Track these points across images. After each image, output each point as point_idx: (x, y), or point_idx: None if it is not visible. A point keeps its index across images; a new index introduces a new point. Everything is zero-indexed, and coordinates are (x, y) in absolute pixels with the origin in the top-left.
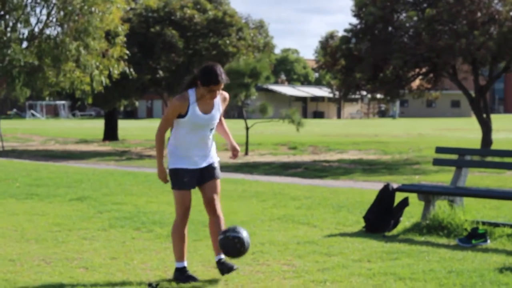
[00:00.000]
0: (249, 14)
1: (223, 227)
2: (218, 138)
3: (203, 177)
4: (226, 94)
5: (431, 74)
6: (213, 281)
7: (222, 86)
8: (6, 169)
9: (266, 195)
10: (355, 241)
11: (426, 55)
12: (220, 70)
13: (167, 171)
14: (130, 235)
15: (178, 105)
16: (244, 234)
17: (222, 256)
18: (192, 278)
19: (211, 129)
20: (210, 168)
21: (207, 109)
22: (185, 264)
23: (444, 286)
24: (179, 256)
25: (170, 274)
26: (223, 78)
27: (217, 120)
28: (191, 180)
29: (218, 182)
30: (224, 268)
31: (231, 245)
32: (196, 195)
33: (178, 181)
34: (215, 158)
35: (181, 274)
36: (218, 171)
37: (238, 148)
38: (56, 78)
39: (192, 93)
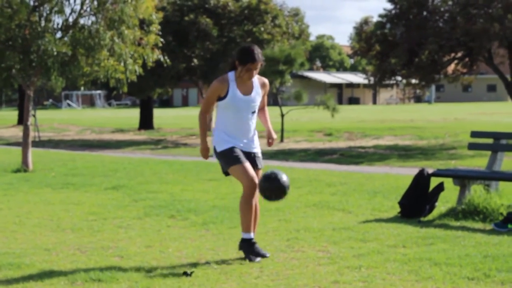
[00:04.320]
0: (284, 1)
1: (259, 214)
2: (258, 126)
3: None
4: (266, 80)
5: (466, 59)
6: (248, 268)
7: (259, 65)
8: (42, 159)
9: (301, 182)
10: (390, 227)
11: (461, 39)
12: (257, 50)
13: (214, 154)
14: (165, 223)
15: (218, 87)
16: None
17: (252, 235)
18: (261, 254)
19: (253, 112)
20: (254, 157)
21: (246, 91)
22: (252, 235)
23: (479, 271)
24: (248, 228)
25: (205, 262)
26: (260, 57)
27: (258, 104)
28: (242, 155)
29: (260, 172)
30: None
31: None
32: (230, 181)
33: (234, 157)
34: (258, 148)
35: (249, 245)
36: (261, 161)
37: (274, 136)
38: (91, 68)
39: (231, 76)
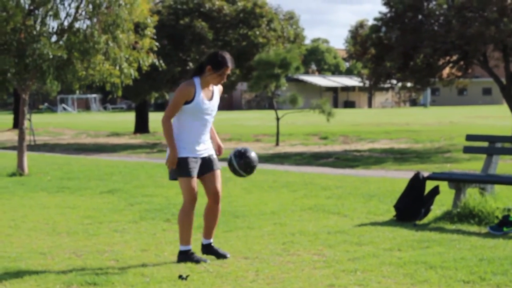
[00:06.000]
0: (279, 5)
1: (219, 216)
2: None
3: (205, 167)
4: (221, 86)
5: (461, 62)
6: (243, 271)
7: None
8: (38, 163)
9: (296, 185)
10: (385, 230)
11: (456, 42)
12: (228, 55)
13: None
14: (161, 227)
15: (187, 90)
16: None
17: (212, 240)
18: (201, 259)
19: (212, 117)
20: (210, 159)
21: (209, 96)
22: (191, 247)
23: (475, 274)
24: (187, 240)
25: (200, 266)
26: (232, 62)
27: (216, 109)
28: (196, 167)
29: (219, 172)
30: (214, 254)
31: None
32: (225, 185)
33: (186, 169)
34: (213, 150)
35: (188, 256)
36: (218, 162)
37: (222, 145)
38: (86, 71)
39: (197, 81)
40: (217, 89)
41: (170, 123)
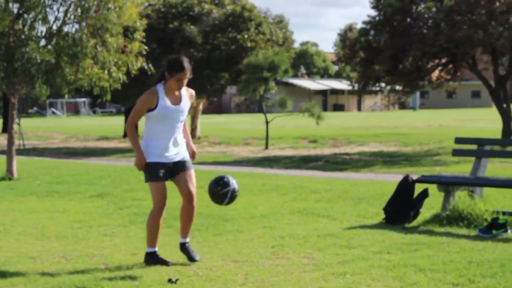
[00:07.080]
0: (268, 9)
1: (194, 217)
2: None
3: (178, 168)
4: (193, 92)
5: (450, 65)
6: (233, 275)
7: (188, 75)
8: (27, 167)
9: (286, 189)
10: (375, 233)
11: (445, 45)
12: (186, 60)
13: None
14: None
15: (148, 99)
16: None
17: (187, 239)
18: (165, 262)
19: (181, 121)
20: (182, 161)
21: (176, 100)
22: (157, 249)
23: (464, 277)
24: (153, 243)
25: (189, 269)
26: (188, 67)
27: (186, 113)
28: (165, 173)
29: (193, 172)
30: (186, 254)
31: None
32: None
33: (154, 174)
34: (186, 153)
35: (153, 258)
36: (190, 163)
37: (195, 150)
38: (75, 76)
39: (160, 87)
40: (187, 94)
41: (134, 128)
